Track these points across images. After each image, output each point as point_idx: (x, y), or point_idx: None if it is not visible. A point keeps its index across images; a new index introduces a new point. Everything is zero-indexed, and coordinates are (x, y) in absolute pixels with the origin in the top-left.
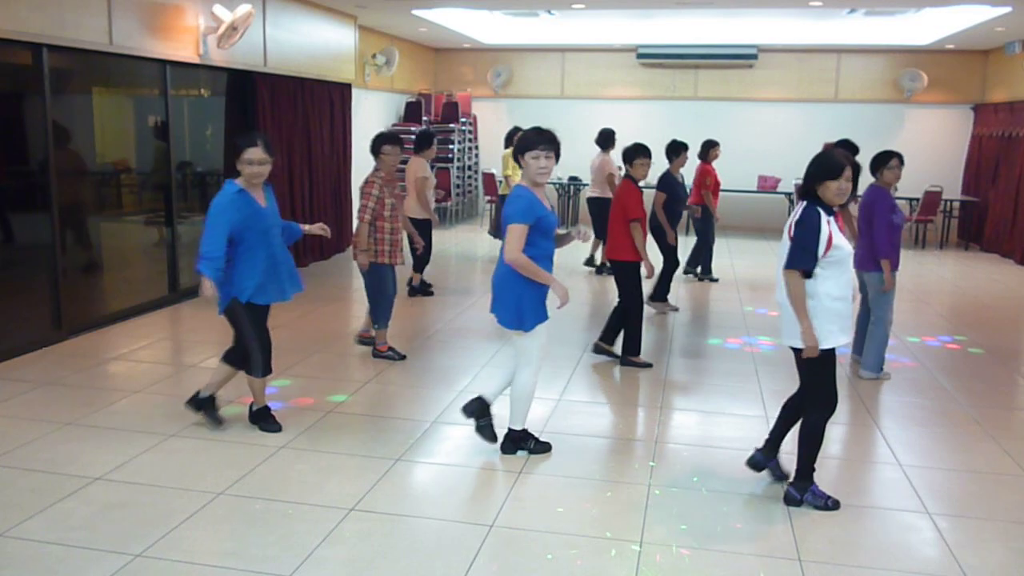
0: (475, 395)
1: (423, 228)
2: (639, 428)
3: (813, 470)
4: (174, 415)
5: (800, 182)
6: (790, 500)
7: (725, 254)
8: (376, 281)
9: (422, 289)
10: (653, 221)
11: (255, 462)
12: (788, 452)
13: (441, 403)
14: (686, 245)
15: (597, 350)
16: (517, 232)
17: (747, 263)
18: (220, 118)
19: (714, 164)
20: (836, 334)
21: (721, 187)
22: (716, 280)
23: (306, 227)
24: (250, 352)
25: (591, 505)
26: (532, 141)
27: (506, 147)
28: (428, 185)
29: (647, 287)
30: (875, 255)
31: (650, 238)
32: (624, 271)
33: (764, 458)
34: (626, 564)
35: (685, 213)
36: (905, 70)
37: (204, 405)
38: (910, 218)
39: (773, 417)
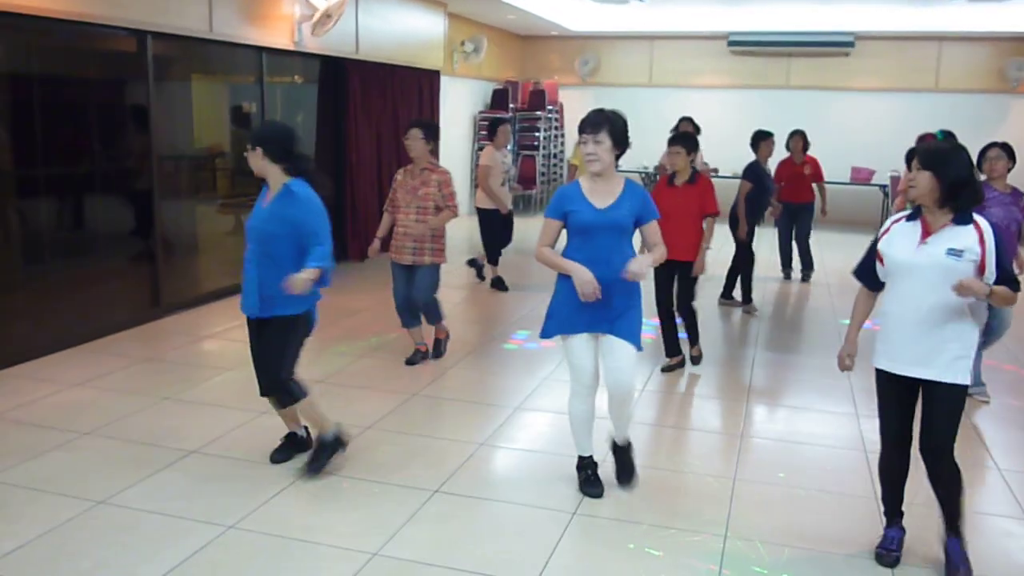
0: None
1: (491, 218)
2: (724, 421)
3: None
4: None
5: (897, 174)
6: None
7: (814, 247)
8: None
9: (497, 283)
10: (733, 211)
11: None
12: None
13: (524, 390)
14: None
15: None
16: (543, 226)
17: (838, 257)
18: (313, 104)
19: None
20: (879, 355)
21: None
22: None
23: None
24: None
25: (674, 497)
26: (580, 125)
27: None
28: (490, 173)
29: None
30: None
31: (725, 230)
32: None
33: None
34: (709, 558)
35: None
36: (1011, 59)
37: (329, 447)
38: None
39: (863, 415)
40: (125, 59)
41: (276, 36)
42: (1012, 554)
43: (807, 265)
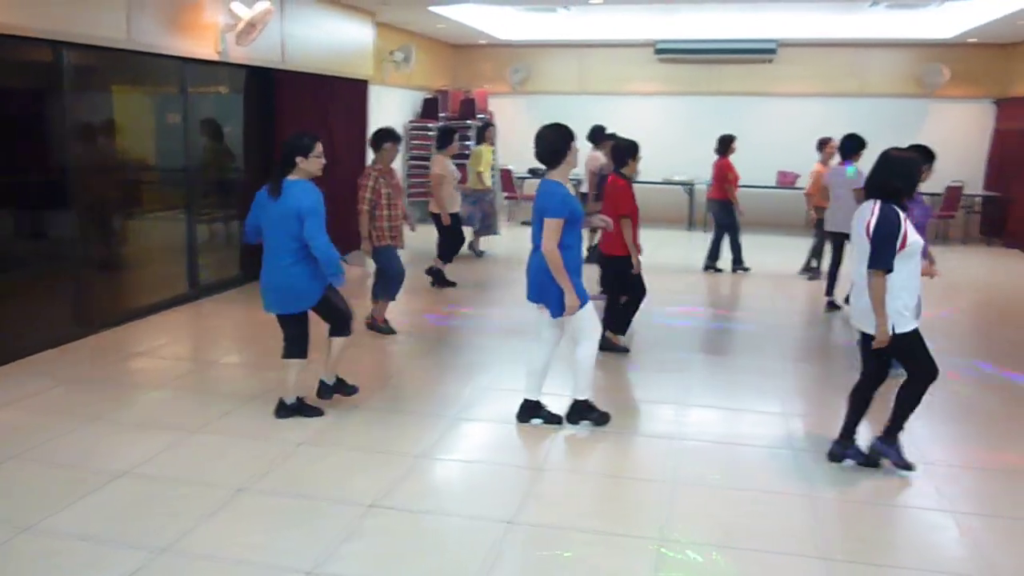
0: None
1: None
2: (661, 425)
3: (901, 430)
4: (197, 411)
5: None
6: (874, 453)
7: (746, 250)
8: (384, 260)
9: (439, 275)
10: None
11: (277, 458)
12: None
13: (461, 399)
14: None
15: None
16: (556, 225)
17: (767, 259)
18: (239, 115)
19: (731, 159)
20: (909, 319)
21: (739, 182)
22: (748, 270)
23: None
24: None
25: (611, 502)
26: None
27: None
28: (443, 182)
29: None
30: None
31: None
32: (618, 265)
33: (842, 449)
34: (647, 562)
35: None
36: (928, 64)
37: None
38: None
39: (795, 414)
40: (41, 70)
41: (199, 46)
42: (942, 547)
43: (711, 257)
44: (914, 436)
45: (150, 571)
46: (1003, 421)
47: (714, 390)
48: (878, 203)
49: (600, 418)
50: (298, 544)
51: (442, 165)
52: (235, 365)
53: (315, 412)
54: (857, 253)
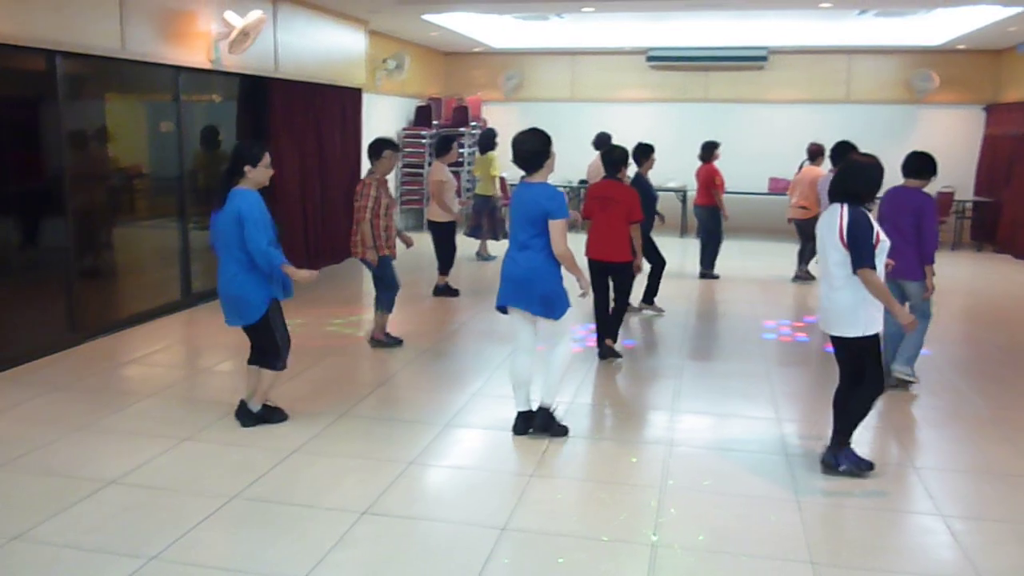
0: (523, 411)
1: (445, 231)
2: (651, 430)
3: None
4: (189, 418)
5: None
6: (826, 465)
7: (736, 255)
8: (381, 270)
9: (446, 290)
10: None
11: (268, 465)
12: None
13: (454, 406)
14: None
15: (606, 354)
16: (565, 226)
17: (758, 264)
18: (232, 123)
19: (716, 164)
20: (879, 320)
21: (725, 187)
22: (717, 277)
23: None
24: (281, 348)
25: (604, 508)
26: None
27: (481, 151)
28: (446, 188)
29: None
30: (923, 262)
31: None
32: (629, 271)
33: (834, 457)
34: (639, 567)
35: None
36: (916, 70)
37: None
38: None
39: (785, 419)
40: (34, 78)
41: (192, 54)
42: (929, 550)
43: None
44: (903, 440)
45: None
46: (989, 425)
47: (704, 396)
48: (845, 207)
49: (559, 430)
50: (289, 552)
51: (444, 172)
52: (227, 373)
53: (281, 417)
54: (824, 258)
